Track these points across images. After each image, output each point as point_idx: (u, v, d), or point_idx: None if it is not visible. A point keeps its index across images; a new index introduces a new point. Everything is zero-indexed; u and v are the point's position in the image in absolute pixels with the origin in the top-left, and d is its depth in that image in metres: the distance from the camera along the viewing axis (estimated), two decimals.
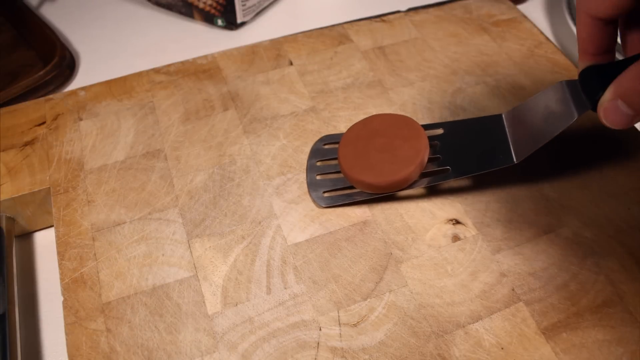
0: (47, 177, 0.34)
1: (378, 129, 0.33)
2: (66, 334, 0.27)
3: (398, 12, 0.46)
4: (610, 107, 0.27)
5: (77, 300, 0.29)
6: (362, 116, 0.37)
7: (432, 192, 0.33)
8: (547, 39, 0.43)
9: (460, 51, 0.42)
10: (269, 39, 0.43)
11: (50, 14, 0.50)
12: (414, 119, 0.37)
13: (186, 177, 0.34)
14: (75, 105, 0.38)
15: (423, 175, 0.32)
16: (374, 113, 0.37)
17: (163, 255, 0.30)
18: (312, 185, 0.33)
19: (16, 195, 0.33)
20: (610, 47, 0.28)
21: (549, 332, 0.27)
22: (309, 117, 0.37)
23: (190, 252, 0.30)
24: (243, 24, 0.49)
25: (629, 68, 0.26)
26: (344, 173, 0.32)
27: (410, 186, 0.32)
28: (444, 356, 0.27)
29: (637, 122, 0.27)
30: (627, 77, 0.26)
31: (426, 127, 0.34)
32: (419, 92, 0.39)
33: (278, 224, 0.32)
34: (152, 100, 0.38)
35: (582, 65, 0.29)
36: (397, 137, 0.32)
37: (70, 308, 0.28)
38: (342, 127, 0.36)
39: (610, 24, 0.27)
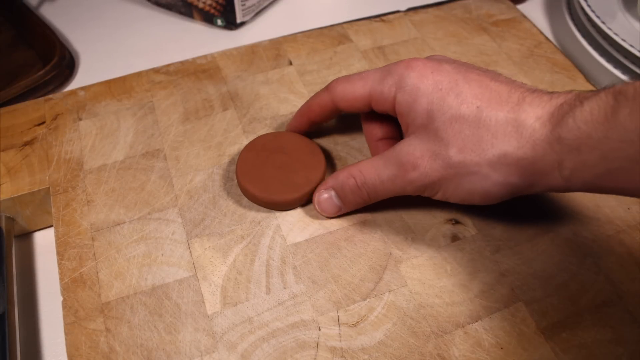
0: (47, 177, 0.34)
1: (285, 147, 0.33)
2: (65, 333, 0.27)
3: (397, 12, 0.46)
4: (322, 200, 0.31)
5: (76, 300, 0.29)
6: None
7: None
8: (547, 38, 0.43)
9: (460, 51, 0.42)
10: (269, 39, 0.43)
11: (50, 13, 0.50)
12: None
13: (186, 177, 0.34)
14: (74, 105, 0.38)
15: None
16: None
17: (162, 255, 0.30)
18: None
19: (16, 195, 0.33)
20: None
21: (549, 332, 0.27)
22: None
23: (190, 252, 0.30)
24: (243, 23, 0.49)
25: (349, 167, 0.30)
26: (237, 178, 0.32)
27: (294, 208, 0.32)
28: (443, 356, 0.27)
29: (343, 212, 0.31)
30: (343, 173, 0.30)
31: None
32: None
33: (277, 224, 0.32)
34: (152, 100, 0.38)
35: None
36: (298, 161, 0.32)
37: (69, 308, 0.28)
38: (341, 127, 0.36)
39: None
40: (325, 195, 0.31)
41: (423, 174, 0.27)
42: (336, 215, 0.32)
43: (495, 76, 0.27)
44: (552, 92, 0.25)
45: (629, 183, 0.22)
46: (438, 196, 0.28)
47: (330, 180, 0.31)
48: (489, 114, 0.25)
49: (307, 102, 0.33)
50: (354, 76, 0.30)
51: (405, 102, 0.28)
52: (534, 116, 0.24)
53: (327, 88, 0.31)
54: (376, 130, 0.33)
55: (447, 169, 0.26)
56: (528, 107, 0.25)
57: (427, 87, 0.27)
